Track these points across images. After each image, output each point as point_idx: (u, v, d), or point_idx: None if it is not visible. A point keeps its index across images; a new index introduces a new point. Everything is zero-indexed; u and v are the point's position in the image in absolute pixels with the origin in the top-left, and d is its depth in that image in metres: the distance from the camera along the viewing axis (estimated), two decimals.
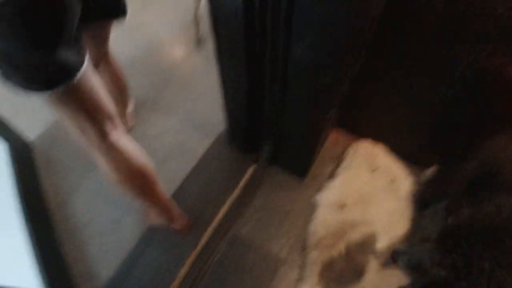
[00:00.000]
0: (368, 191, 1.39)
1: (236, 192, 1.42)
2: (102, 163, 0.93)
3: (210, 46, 1.89)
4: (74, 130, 0.84)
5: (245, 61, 0.96)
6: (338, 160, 1.51)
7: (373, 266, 1.22)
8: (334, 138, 1.55)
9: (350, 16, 0.67)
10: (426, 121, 1.32)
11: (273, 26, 0.83)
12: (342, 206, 1.36)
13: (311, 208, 1.39)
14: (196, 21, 1.89)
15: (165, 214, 1.22)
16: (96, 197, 1.49)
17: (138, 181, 1.01)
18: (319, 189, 1.43)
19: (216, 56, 1.02)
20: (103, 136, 0.87)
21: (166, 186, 1.46)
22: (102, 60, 1.29)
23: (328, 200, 1.37)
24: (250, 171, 1.45)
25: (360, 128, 1.53)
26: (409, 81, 1.15)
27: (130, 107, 1.61)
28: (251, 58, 0.95)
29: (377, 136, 1.51)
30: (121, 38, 1.99)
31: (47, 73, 0.69)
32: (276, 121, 1.19)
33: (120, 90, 1.45)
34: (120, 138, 0.92)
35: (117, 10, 1.05)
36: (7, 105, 1.72)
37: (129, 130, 1.61)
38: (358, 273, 1.22)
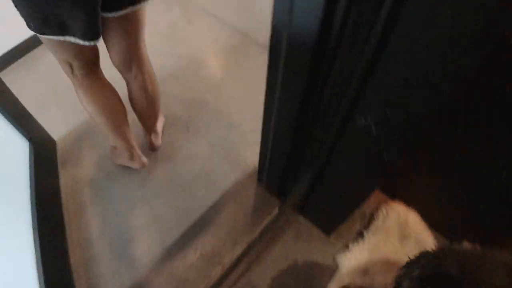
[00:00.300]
0: (396, 261, 1.30)
1: (257, 234, 1.36)
2: (82, 96, 1.15)
3: (254, 71, 1.89)
4: (65, 67, 1.06)
5: (298, 103, 0.89)
6: (367, 220, 1.43)
7: None
8: None
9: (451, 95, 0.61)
10: (469, 198, 1.24)
11: (341, 82, 0.77)
12: (365, 273, 1.28)
13: (333, 267, 1.31)
14: None
15: (128, 152, 1.39)
16: (112, 212, 1.44)
17: (111, 115, 1.22)
18: (343, 248, 1.36)
19: (267, 87, 0.96)
20: (87, 74, 1.09)
21: (186, 213, 1.42)
22: (134, 60, 1.18)
23: (352, 263, 1.29)
24: (275, 215, 1.39)
25: (394, 190, 1.45)
26: (464, 157, 1.08)
27: (159, 125, 1.57)
28: (306, 102, 0.89)
29: (410, 201, 1.43)
30: (161, 51, 1.97)
31: (61, 22, 0.86)
32: (315, 175, 1.13)
33: (150, 101, 1.32)
34: (100, 77, 1.16)
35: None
36: (34, 100, 1.71)
37: (155, 150, 1.56)
38: None
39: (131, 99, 1.32)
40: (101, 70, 1.17)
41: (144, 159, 1.46)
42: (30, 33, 1.80)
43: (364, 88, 0.70)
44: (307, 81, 0.81)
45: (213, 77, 1.86)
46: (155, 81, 1.31)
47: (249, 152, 1.54)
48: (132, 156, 1.41)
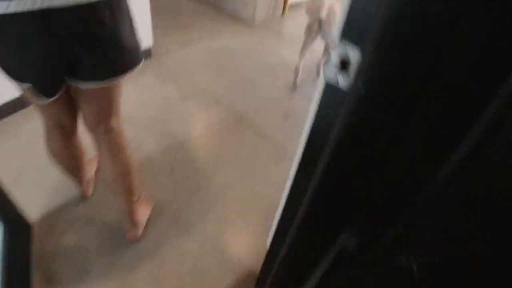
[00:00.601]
0: None
1: None
2: (47, 144, 1.18)
3: (250, 157, 1.82)
4: (39, 114, 1.08)
5: (329, 221, 0.80)
6: None
7: None
8: None
9: None
10: None
11: (386, 211, 0.69)
12: None
13: None
14: (297, 69, 2.41)
15: (78, 183, 1.43)
16: None
17: (70, 168, 1.30)
18: None
19: (291, 193, 0.86)
20: (58, 128, 1.12)
21: None
22: (101, 130, 1.09)
23: None
24: None
25: None
26: None
27: (142, 215, 1.39)
28: (339, 222, 0.79)
29: None
30: (151, 129, 1.89)
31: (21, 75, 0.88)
32: None
33: (118, 175, 1.16)
34: (71, 137, 1.19)
35: (98, 74, 0.93)
36: (10, 172, 1.54)
37: (132, 241, 1.37)
38: None
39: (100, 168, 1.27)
40: (76, 132, 1.20)
41: (89, 192, 1.50)
42: (10, 96, 1.70)
43: (413, 225, 0.63)
44: (343, 200, 0.73)
45: (205, 161, 1.76)
46: (125, 156, 1.17)
47: (244, 251, 1.40)
48: (80, 186, 1.46)
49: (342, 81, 0.55)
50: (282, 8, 3.69)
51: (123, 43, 0.90)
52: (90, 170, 1.53)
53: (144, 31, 2.33)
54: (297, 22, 3.73)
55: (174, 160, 1.74)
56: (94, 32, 0.84)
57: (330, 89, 0.59)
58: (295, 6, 3.96)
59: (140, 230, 1.38)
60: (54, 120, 1.09)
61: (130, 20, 0.94)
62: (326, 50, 2.56)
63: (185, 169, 1.70)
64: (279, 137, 1.98)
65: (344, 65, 0.54)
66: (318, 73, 2.76)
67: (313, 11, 2.09)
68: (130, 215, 1.31)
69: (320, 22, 2.16)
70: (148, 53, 2.46)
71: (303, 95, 2.45)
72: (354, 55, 0.52)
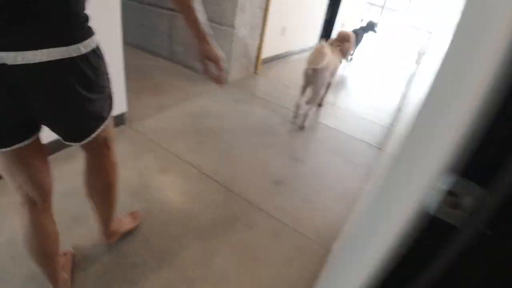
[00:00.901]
0: None
1: None
2: (18, 222, 1.03)
3: (245, 237, 1.62)
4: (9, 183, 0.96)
5: None
6: None
7: None
8: None
9: None
10: None
11: None
12: None
13: None
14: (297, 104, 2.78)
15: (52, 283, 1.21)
16: None
17: (39, 255, 1.09)
18: None
19: None
20: (28, 202, 0.99)
21: None
22: (90, 144, 1.07)
23: None
24: None
25: None
26: None
27: (126, 222, 1.50)
28: None
29: None
30: (128, 208, 1.66)
31: None
32: None
33: (99, 187, 1.20)
34: (44, 217, 1.05)
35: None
36: None
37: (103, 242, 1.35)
38: None
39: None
40: (49, 212, 1.08)
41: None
42: None
43: None
44: None
45: (195, 247, 1.55)
46: (111, 169, 1.19)
47: None
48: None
49: (451, 216, 0.44)
50: (255, 65, 3.72)
51: (86, 111, 0.91)
52: (65, 265, 1.30)
53: (118, 95, 2.17)
54: (271, 77, 3.78)
55: (159, 250, 1.50)
56: (53, 95, 0.82)
57: (426, 218, 0.47)
58: (267, 62, 4.03)
59: (114, 238, 1.44)
60: (23, 194, 0.99)
61: (101, 89, 0.97)
62: (313, 99, 2.62)
63: (174, 259, 1.47)
64: (274, 208, 1.83)
65: (453, 198, 0.43)
66: (302, 127, 2.72)
67: (312, 61, 2.49)
68: (106, 226, 1.34)
69: (314, 71, 2.55)
70: (122, 120, 2.28)
71: (288, 154, 2.36)
72: (474, 194, 0.40)
